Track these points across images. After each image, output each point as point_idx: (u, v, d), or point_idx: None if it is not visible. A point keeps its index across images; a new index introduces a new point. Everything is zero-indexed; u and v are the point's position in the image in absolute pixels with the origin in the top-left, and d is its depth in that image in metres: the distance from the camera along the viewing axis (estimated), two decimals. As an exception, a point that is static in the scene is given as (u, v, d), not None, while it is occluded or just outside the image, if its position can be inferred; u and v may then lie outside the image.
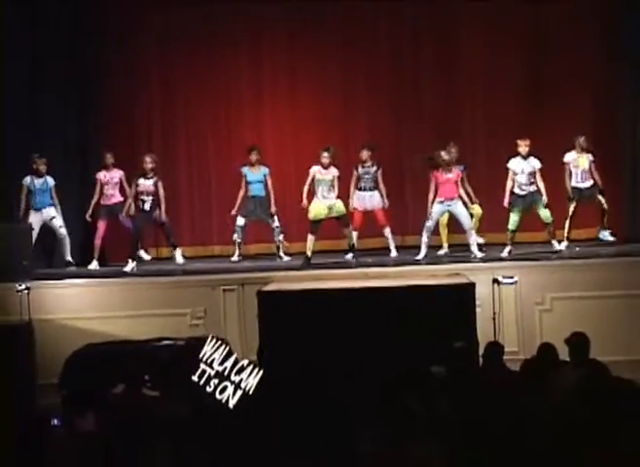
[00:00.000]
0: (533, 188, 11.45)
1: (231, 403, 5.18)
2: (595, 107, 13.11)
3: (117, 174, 12.15)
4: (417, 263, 11.22)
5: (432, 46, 13.49)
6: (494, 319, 9.60)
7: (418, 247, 11.52)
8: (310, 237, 11.58)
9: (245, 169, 12.19)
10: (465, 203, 11.53)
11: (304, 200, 11.68)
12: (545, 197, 11.39)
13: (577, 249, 11.62)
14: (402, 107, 13.52)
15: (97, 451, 5.27)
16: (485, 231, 12.21)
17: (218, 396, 5.22)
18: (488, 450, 4.98)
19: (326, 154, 11.67)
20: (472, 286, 9.48)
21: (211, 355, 5.30)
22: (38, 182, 11.70)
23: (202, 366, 5.28)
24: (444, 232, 12.12)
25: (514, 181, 11.48)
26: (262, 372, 5.21)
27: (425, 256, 11.41)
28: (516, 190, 11.49)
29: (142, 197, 11.78)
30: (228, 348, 5.37)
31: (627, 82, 12.72)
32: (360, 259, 11.51)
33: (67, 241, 11.81)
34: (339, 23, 13.43)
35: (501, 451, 4.98)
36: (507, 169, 11.53)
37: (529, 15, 13.14)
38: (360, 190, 11.97)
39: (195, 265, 12.11)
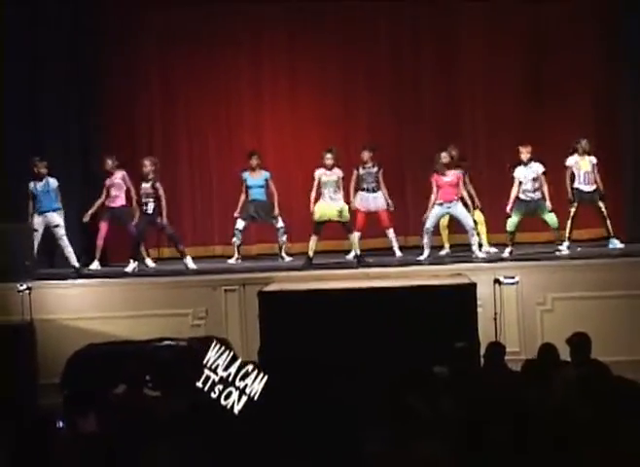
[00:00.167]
0: (538, 195, 11.43)
1: (237, 409, 5.16)
2: (596, 107, 13.11)
3: (119, 174, 12.13)
4: (419, 263, 11.22)
5: (432, 46, 13.49)
6: (495, 319, 9.60)
7: (420, 247, 11.54)
8: (313, 238, 11.58)
9: (245, 174, 12.18)
10: (466, 205, 11.53)
11: (312, 207, 11.62)
12: (549, 203, 11.39)
13: (578, 249, 11.62)
14: (402, 107, 13.51)
15: (99, 452, 5.27)
16: (486, 231, 12.19)
17: (223, 402, 5.19)
18: (490, 450, 4.98)
19: (329, 155, 11.65)
20: (473, 286, 9.49)
21: (215, 361, 5.27)
22: (39, 185, 11.67)
23: (207, 372, 5.26)
24: (444, 232, 12.12)
25: (519, 188, 11.48)
26: (266, 377, 5.18)
27: (428, 256, 11.41)
28: (521, 195, 11.47)
29: (144, 200, 11.80)
30: (232, 354, 5.34)
31: (628, 82, 12.73)
32: (361, 259, 11.49)
33: (70, 250, 11.74)
34: (339, 23, 13.43)
35: (503, 451, 4.98)
36: (512, 178, 11.51)
37: (529, 15, 13.14)
38: (363, 191, 11.96)
39: (196, 265, 12.09)
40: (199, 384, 5.27)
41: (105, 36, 13.25)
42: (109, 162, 12.07)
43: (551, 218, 11.46)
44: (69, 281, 11.19)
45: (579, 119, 12.80)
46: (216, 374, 5.26)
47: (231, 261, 12.14)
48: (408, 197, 13.11)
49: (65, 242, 11.70)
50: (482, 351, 7.64)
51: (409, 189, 13.23)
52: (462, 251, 11.80)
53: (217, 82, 13.63)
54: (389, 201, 11.96)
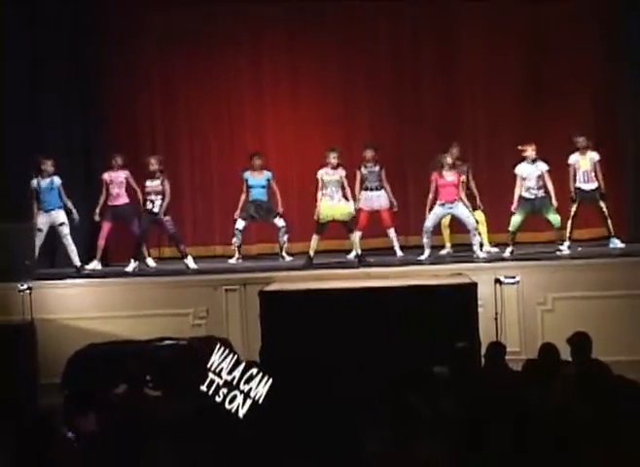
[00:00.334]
0: (542, 192, 11.44)
1: (241, 412, 5.15)
2: (596, 107, 13.10)
3: (122, 174, 12.12)
4: (419, 263, 11.22)
5: (432, 45, 13.48)
6: (496, 319, 9.60)
7: (421, 247, 11.53)
8: (315, 237, 11.57)
9: (247, 174, 12.17)
10: (466, 205, 11.53)
11: (318, 206, 11.59)
12: (555, 202, 11.39)
13: (579, 249, 11.61)
14: (403, 107, 13.51)
15: (99, 451, 5.27)
16: (487, 230, 12.19)
17: (227, 406, 5.18)
18: (491, 450, 4.98)
19: (333, 154, 11.63)
20: (474, 286, 9.49)
21: (219, 364, 5.26)
22: (44, 182, 11.67)
23: (211, 375, 5.25)
24: (445, 232, 12.12)
25: (522, 186, 11.48)
26: (271, 380, 5.17)
27: (429, 256, 11.42)
28: (525, 194, 11.47)
29: (150, 198, 11.78)
30: (236, 357, 5.33)
31: (628, 81, 12.72)
32: (362, 259, 11.48)
33: (73, 248, 11.74)
34: (340, 23, 13.41)
35: (503, 451, 4.98)
36: (514, 175, 11.52)
37: (529, 15, 13.12)
38: (366, 190, 11.97)
39: (197, 265, 12.09)
40: (204, 388, 5.25)
41: (105, 36, 13.24)
42: (117, 160, 12.07)
43: (554, 217, 11.46)
44: (70, 281, 11.19)
45: (579, 118, 12.78)
46: (220, 377, 5.25)
47: (232, 261, 12.14)
48: (409, 197, 13.09)
49: (69, 241, 11.70)
50: (483, 351, 7.64)
51: (411, 188, 13.22)
52: (463, 251, 11.80)
53: (218, 82, 13.62)
54: (393, 201, 11.97)
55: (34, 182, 11.63)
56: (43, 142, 12.56)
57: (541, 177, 11.44)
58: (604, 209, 11.67)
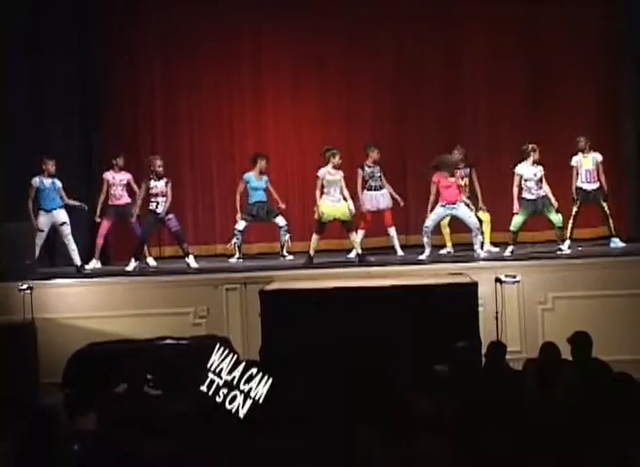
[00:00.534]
0: (542, 192, 11.44)
1: (242, 412, 5.15)
2: (598, 108, 13.10)
3: (125, 176, 12.14)
4: (420, 262, 11.22)
5: (435, 45, 13.47)
6: (497, 318, 9.60)
7: (421, 246, 11.53)
8: (315, 237, 11.57)
9: (249, 176, 12.16)
10: (468, 206, 11.53)
11: (318, 206, 11.59)
12: (554, 202, 11.38)
13: (579, 249, 11.62)
14: (404, 107, 13.51)
15: (99, 451, 5.27)
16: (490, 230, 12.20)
17: (228, 406, 5.17)
18: (491, 449, 4.98)
19: (338, 155, 11.61)
20: (474, 285, 9.49)
21: (219, 364, 5.25)
22: (47, 182, 11.67)
23: (211, 375, 5.24)
24: (445, 231, 12.12)
25: (521, 186, 11.47)
26: (271, 379, 5.16)
27: (429, 255, 11.42)
28: (526, 194, 11.47)
29: (155, 199, 11.77)
30: (235, 356, 5.33)
31: (630, 82, 12.71)
32: (362, 258, 11.48)
33: (74, 248, 11.74)
34: (342, 23, 13.41)
35: (503, 450, 4.98)
36: (513, 174, 11.53)
37: (531, 16, 13.09)
38: (370, 190, 12.00)
39: (197, 264, 12.09)
40: (204, 388, 5.25)
41: (106, 36, 13.26)
42: (118, 161, 12.07)
43: (556, 217, 11.46)
44: (70, 280, 11.20)
45: (581, 119, 12.78)
46: (220, 377, 5.25)
47: (233, 260, 12.15)
48: (409, 197, 13.07)
49: (70, 240, 11.71)
50: (484, 350, 7.64)
51: (411, 188, 13.21)
52: (463, 250, 11.81)
53: (219, 81, 13.62)
54: (398, 198, 12.01)
55: (36, 180, 11.63)
56: (44, 142, 12.56)
57: (541, 178, 11.44)
58: (606, 209, 11.67)
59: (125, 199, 12.12)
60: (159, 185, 11.78)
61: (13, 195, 12.03)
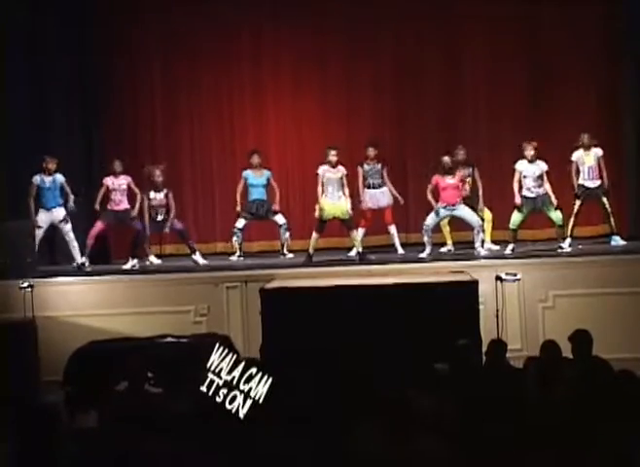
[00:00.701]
0: (542, 190, 11.45)
1: (242, 413, 5.14)
2: (598, 106, 13.08)
3: (124, 181, 12.11)
4: (420, 260, 11.23)
5: (435, 43, 13.44)
6: (497, 316, 9.60)
7: (422, 244, 11.54)
8: (315, 235, 11.57)
9: (247, 173, 12.16)
10: (470, 206, 11.54)
11: (319, 204, 11.61)
12: (554, 200, 11.39)
13: (580, 247, 11.61)
14: (405, 105, 13.50)
15: (100, 448, 5.27)
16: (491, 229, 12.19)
17: (228, 406, 5.17)
18: (491, 447, 4.99)
19: (334, 152, 11.63)
20: (475, 283, 9.50)
21: (219, 364, 5.24)
22: (48, 180, 11.67)
23: (210, 376, 5.23)
24: (445, 229, 12.12)
25: (521, 183, 11.48)
26: (271, 378, 5.15)
27: (430, 254, 11.42)
28: (525, 192, 11.48)
29: (155, 210, 11.81)
30: (235, 356, 5.32)
31: (630, 80, 12.70)
32: (363, 256, 11.48)
33: (75, 245, 11.74)
34: (342, 21, 13.39)
35: (504, 448, 4.98)
36: (513, 170, 11.54)
37: (531, 16, 13.07)
38: (369, 188, 12.00)
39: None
40: (204, 388, 5.24)
41: (106, 36, 13.26)
42: (117, 165, 12.06)
43: (556, 215, 11.47)
44: (71, 278, 11.20)
45: (582, 117, 12.77)
46: (220, 377, 5.24)
47: (233, 258, 12.15)
48: (409, 195, 13.06)
49: (71, 237, 11.72)
50: (484, 348, 7.64)
51: (411, 186, 13.19)
52: (464, 248, 11.81)
53: (219, 79, 13.61)
54: (398, 196, 12.01)
55: (37, 178, 11.62)
56: (44, 141, 12.56)
57: (540, 177, 11.45)
58: (607, 206, 11.67)
59: (125, 205, 12.08)
60: (158, 197, 11.79)
61: (13, 193, 12.03)
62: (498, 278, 9.74)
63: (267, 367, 5.30)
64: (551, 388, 6.17)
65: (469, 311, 9.24)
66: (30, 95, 12.69)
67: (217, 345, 5.31)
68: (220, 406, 5.23)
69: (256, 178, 12.14)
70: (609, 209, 11.68)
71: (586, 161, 11.73)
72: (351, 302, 9.32)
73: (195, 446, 5.17)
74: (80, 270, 11.61)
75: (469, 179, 11.87)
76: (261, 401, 5.11)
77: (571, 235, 11.61)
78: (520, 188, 11.51)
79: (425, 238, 11.46)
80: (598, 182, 11.70)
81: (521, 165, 11.51)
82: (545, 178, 11.46)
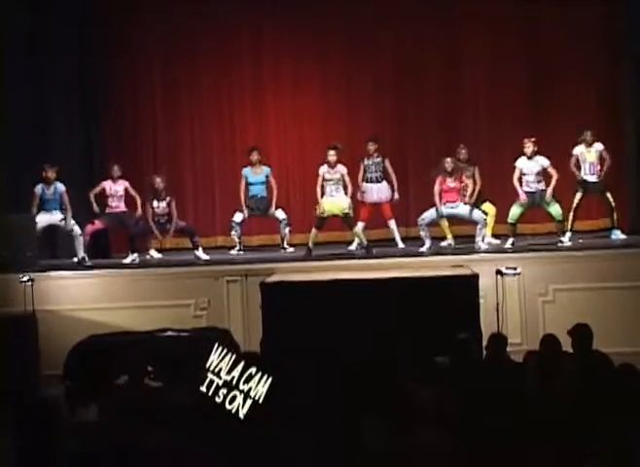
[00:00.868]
0: (541, 186, 11.47)
1: (242, 413, 5.13)
2: (599, 103, 13.08)
3: (121, 186, 12.10)
4: (420, 254, 11.23)
5: (436, 41, 13.45)
6: (497, 310, 9.60)
7: (422, 239, 11.54)
8: (314, 231, 11.62)
9: (247, 170, 12.17)
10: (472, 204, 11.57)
11: (319, 201, 11.62)
12: (549, 195, 11.39)
13: (580, 241, 11.62)
14: (405, 102, 13.50)
15: (100, 442, 5.27)
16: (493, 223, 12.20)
17: (228, 406, 5.15)
18: (491, 441, 4.99)
19: (332, 152, 11.63)
20: (475, 278, 9.50)
21: (218, 364, 5.23)
22: (49, 192, 11.69)
23: (210, 376, 5.22)
24: (444, 224, 12.10)
25: (521, 179, 11.49)
26: (270, 378, 5.14)
27: (430, 248, 11.43)
28: (525, 187, 11.51)
29: (157, 218, 11.87)
30: (235, 356, 5.30)
31: (630, 78, 12.69)
32: (369, 248, 11.49)
33: (80, 239, 11.74)
34: (342, 20, 13.39)
35: (504, 442, 4.99)
36: (514, 167, 11.55)
37: (531, 15, 13.06)
38: (366, 182, 12.01)
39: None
40: (203, 389, 5.23)
41: (107, 36, 13.26)
42: (115, 169, 12.06)
43: (555, 209, 11.47)
44: (71, 272, 11.20)
45: (582, 114, 12.77)
46: (219, 377, 5.23)
47: (233, 252, 12.16)
48: (409, 189, 13.10)
49: (77, 230, 11.71)
50: (484, 342, 7.64)
51: (412, 181, 13.21)
52: (464, 242, 11.81)
53: (219, 76, 13.61)
54: (394, 193, 11.99)
55: (39, 188, 11.65)
56: (44, 140, 12.58)
57: (540, 173, 11.46)
58: (611, 200, 11.68)
59: (121, 209, 12.12)
60: (161, 206, 11.82)
61: (13, 189, 12.03)
62: (498, 272, 9.74)
63: (268, 361, 5.30)
64: (550, 382, 6.17)
65: (469, 305, 9.24)
66: (30, 95, 12.70)
67: (216, 345, 5.29)
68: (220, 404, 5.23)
69: (254, 176, 12.14)
70: (613, 204, 11.68)
71: (588, 157, 11.74)
72: (351, 295, 9.32)
73: (195, 439, 5.17)
74: (80, 265, 11.61)
75: (470, 180, 11.87)
76: (261, 400, 5.10)
77: (571, 229, 11.61)
78: (521, 184, 11.52)
79: (422, 233, 11.49)
80: (600, 177, 11.72)
81: (521, 162, 11.53)
82: (552, 172, 11.45)
